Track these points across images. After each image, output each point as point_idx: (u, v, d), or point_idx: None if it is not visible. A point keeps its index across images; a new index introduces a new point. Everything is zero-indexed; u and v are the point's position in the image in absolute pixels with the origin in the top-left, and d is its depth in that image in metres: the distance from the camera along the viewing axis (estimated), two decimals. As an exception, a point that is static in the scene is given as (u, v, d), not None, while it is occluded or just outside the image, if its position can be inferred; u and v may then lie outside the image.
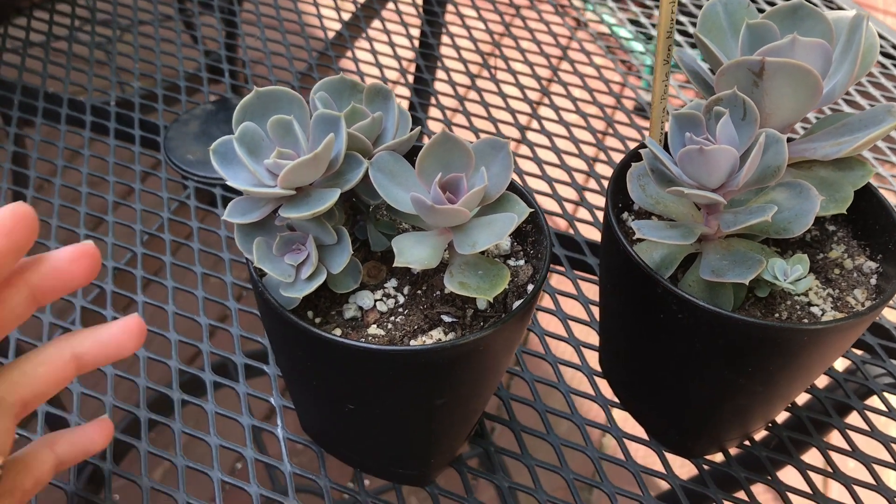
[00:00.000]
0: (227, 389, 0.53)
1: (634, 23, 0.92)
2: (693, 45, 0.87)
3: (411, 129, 0.43)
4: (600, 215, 0.65)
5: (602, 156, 0.72)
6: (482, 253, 0.41)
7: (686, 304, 0.40)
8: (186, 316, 0.57)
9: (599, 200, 0.67)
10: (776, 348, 0.41)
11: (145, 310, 0.58)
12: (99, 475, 0.50)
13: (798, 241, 0.47)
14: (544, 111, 0.77)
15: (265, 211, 0.39)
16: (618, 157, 0.70)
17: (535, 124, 0.75)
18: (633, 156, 0.48)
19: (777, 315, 0.43)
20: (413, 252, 0.39)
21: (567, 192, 0.69)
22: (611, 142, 0.74)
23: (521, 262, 0.45)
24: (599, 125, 0.76)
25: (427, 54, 0.86)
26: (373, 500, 0.48)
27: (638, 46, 0.91)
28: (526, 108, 0.79)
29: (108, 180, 0.68)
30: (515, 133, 0.75)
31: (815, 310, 0.44)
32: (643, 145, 0.48)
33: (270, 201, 0.39)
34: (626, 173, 0.46)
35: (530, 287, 0.43)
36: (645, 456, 0.52)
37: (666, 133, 0.47)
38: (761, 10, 0.47)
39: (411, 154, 0.43)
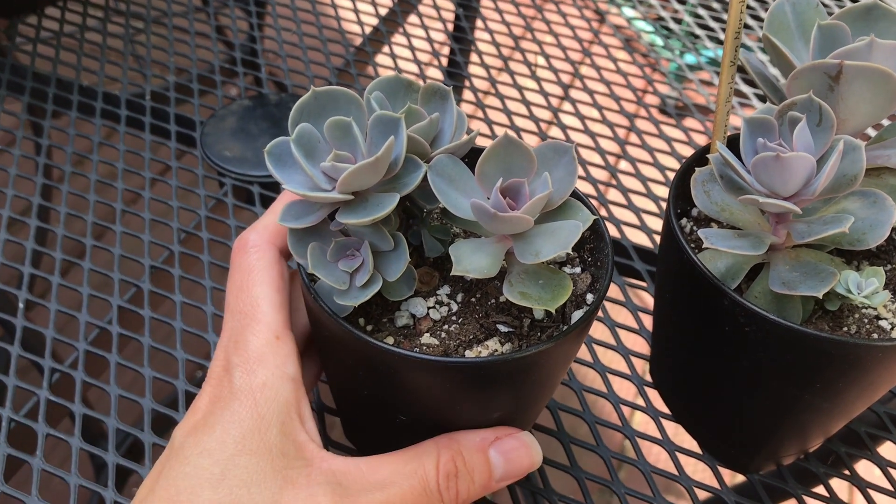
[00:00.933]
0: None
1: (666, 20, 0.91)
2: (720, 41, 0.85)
3: (467, 131, 0.41)
4: (647, 219, 0.64)
5: (648, 157, 0.70)
6: (541, 261, 0.40)
7: (755, 317, 0.39)
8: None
9: (646, 203, 0.66)
10: (848, 364, 0.39)
11: (183, 310, 0.56)
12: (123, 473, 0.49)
13: (863, 251, 0.46)
14: (575, 94, 0.76)
15: (320, 215, 0.38)
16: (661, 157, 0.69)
17: (566, 106, 0.74)
18: (697, 159, 0.46)
19: (845, 329, 0.42)
20: (472, 260, 0.37)
21: (615, 195, 0.67)
22: (657, 143, 0.72)
23: (578, 270, 0.43)
24: (628, 112, 0.74)
25: (460, 38, 0.85)
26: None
27: (659, 41, 0.89)
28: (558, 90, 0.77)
29: (144, 176, 0.67)
30: (547, 115, 0.73)
31: (883, 323, 0.42)
32: (707, 149, 0.46)
33: (326, 206, 0.38)
34: (690, 178, 0.44)
35: (589, 297, 0.41)
36: (694, 468, 0.50)
37: (729, 136, 0.45)
38: (830, 12, 0.45)
39: (468, 156, 0.41)
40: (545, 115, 0.76)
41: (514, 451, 0.40)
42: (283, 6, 0.87)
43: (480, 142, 0.39)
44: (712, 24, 0.88)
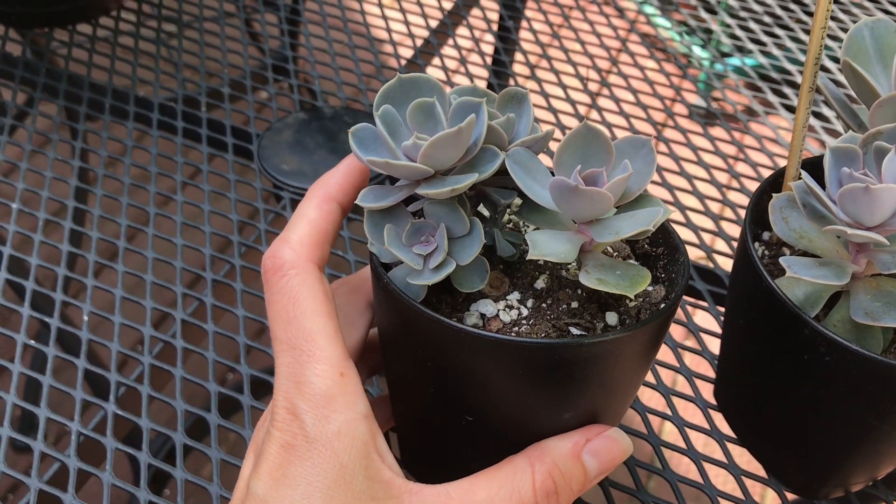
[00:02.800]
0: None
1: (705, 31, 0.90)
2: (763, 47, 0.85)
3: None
4: (706, 237, 0.64)
5: (704, 173, 0.70)
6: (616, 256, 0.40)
7: (837, 347, 0.38)
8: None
9: (705, 222, 0.65)
10: (932, 396, 0.39)
11: (246, 323, 0.57)
12: (163, 475, 0.50)
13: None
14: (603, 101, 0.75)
15: (398, 197, 0.38)
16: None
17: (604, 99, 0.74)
18: (770, 184, 0.46)
19: (925, 359, 0.41)
20: (548, 245, 0.36)
21: (673, 214, 0.67)
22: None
23: (650, 287, 0.43)
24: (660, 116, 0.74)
25: (505, 37, 0.85)
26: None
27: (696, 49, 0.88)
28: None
29: (203, 189, 0.67)
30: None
31: (962, 353, 0.42)
32: (780, 173, 0.46)
33: (404, 188, 0.38)
34: (764, 203, 0.44)
35: (664, 307, 0.41)
36: (752, 488, 0.49)
37: (803, 160, 0.45)
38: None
39: None
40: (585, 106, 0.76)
41: (605, 450, 0.39)
42: (333, 17, 0.87)
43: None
44: (763, 38, 0.88)
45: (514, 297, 0.41)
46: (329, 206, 0.40)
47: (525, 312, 0.41)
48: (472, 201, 0.41)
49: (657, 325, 0.37)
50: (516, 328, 0.39)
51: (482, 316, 0.40)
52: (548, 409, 0.39)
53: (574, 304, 0.40)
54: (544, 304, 0.41)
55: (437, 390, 0.40)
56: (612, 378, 0.39)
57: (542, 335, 0.39)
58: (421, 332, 0.37)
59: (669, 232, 0.42)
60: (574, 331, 0.39)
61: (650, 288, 0.43)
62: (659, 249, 0.43)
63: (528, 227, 0.45)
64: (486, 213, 0.43)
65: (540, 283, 0.42)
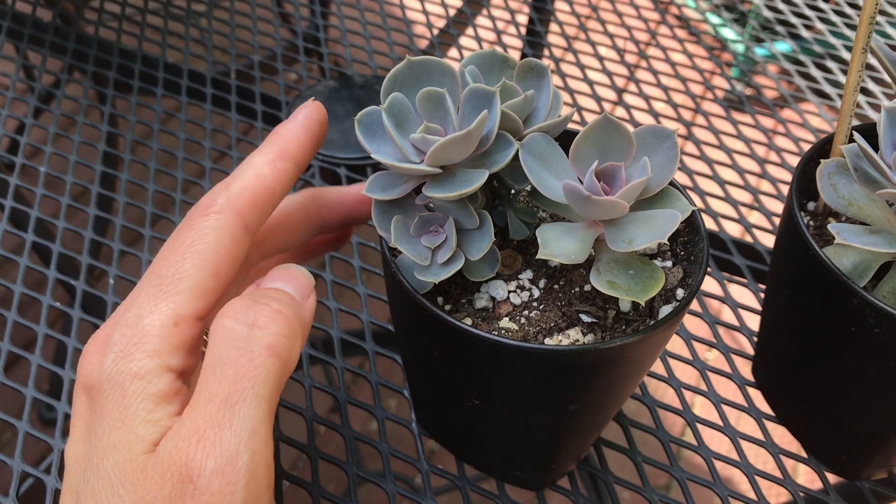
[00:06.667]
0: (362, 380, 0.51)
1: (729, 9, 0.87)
2: (793, 35, 0.82)
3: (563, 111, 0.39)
4: (745, 212, 0.62)
5: (729, 127, 0.68)
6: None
7: (887, 318, 0.37)
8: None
9: (744, 196, 0.64)
10: None
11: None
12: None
13: None
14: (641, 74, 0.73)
15: (406, 188, 0.36)
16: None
17: (643, 74, 0.72)
18: (818, 151, 0.44)
19: (978, 333, 0.39)
20: (559, 245, 0.35)
21: (707, 185, 0.65)
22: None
23: (669, 264, 0.41)
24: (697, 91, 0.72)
25: (540, 7, 0.84)
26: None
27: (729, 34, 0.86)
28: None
29: (231, 155, 0.66)
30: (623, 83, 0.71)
31: None
32: (828, 140, 0.44)
33: (413, 178, 0.36)
34: (811, 170, 0.42)
35: (680, 292, 0.39)
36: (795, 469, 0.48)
37: (853, 126, 0.43)
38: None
39: (560, 138, 0.39)
40: (621, 82, 0.74)
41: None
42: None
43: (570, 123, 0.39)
44: (807, 11, 0.85)
45: (527, 276, 0.40)
46: (283, 164, 0.37)
47: (536, 294, 0.39)
48: (486, 184, 0.40)
49: (669, 323, 0.36)
50: (526, 311, 0.38)
51: (492, 299, 0.39)
52: (553, 400, 0.38)
53: (587, 287, 0.39)
54: (556, 286, 0.40)
55: (444, 375, 0.40)
56: (621, 374, 0.38)
57: (552, 324, 0.38)
58: (426, 325, 0.36)
59: (693, 212, 0.39)
60: (584, 318, 0.38)
61: (668, 264, 0.41)
62: (680, 225, 0.41)
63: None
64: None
65: (554, 262, 0.40)
